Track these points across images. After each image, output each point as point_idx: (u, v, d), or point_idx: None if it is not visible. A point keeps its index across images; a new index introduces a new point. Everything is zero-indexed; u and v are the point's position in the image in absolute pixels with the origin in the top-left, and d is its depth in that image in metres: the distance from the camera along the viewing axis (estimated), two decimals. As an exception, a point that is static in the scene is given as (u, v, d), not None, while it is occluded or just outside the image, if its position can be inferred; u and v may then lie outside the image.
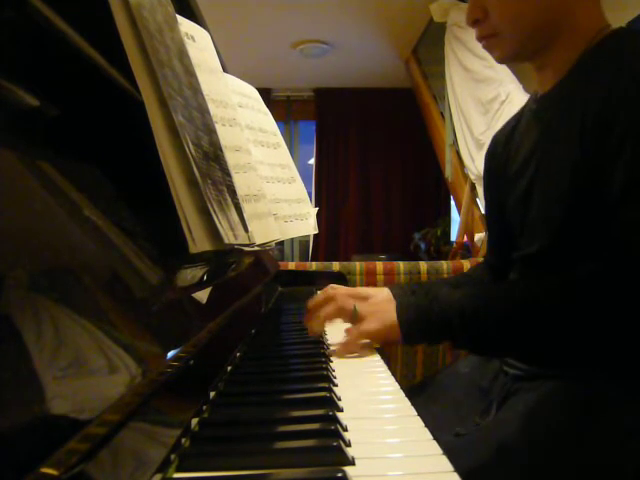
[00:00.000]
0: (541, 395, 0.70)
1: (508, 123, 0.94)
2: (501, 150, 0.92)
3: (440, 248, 4.63)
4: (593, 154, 0.68)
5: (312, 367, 0.64)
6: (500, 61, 0.81)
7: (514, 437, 0.65)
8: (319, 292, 0.81)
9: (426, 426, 0.45)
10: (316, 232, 1.19)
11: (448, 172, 3.56)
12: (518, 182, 0.83)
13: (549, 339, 0.69)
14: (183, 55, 0.61)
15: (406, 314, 0.71)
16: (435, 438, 0.42)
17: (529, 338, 0.70)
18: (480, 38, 0.79)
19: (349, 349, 0.71)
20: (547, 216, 0.76)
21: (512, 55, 0.79)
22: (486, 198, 1.02)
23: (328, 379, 0.57)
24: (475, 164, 2.95)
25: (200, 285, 0.57)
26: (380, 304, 0.75)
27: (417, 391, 0.91)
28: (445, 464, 0.37)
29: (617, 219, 0.65)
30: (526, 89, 2.70)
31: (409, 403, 0.50)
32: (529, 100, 0.87)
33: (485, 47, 0.80)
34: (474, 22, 0.78)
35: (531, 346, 0.72)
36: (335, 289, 0.79)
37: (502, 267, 0.96)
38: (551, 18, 0.74)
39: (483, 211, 3.16)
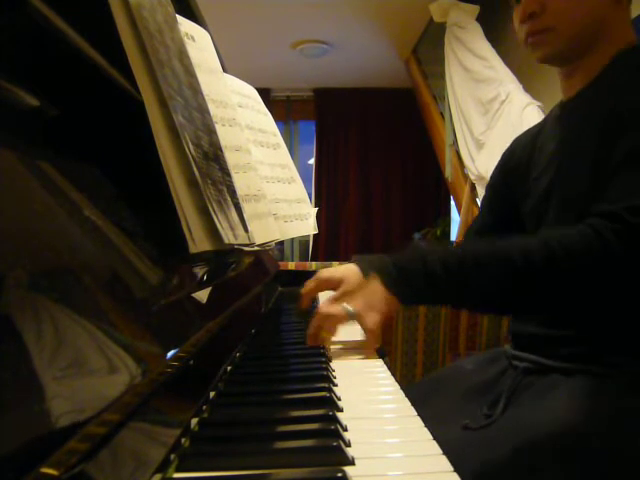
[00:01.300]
0: (552, 393, 0.71)
1: (533, 128, 0.97)
2: (522, 153, 0.94)
3: (440, 248, 4.63)
4: (607, 157, 0.70)
5: (312, 367, 0.64)
6: (543, 59, 0.84)
7: (530, 433, 0.66)
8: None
9: (430, 421, 0.45)
10: (316, 232, 1.19)
11: (448, 172, 3.56)
12: (539, 183, 0.86)
13: (541, 299, 0.69)
14: (183, 55, 0.61)
15: (389, 276, 0.70)
16: (441, 431, 0.42)
17: (520, 295, 0.69)
18: (532, 33, 0.82)
19: (374, 345, 0.71)
20: (564, 217, 0.78)
21: (558, 52, 0.82)
22: (489, 196, 1.03)
23: (328, 379, 0.57)
24: (475, 164, 2.95)
25: (200, 285, 0.57)
26: (362, 286, 0.73)
27: (418, 389, 0.92)
28: (445, 464, 0.37)
29: (620, 180, 0.66)
30: (526, 89, 2.70)
31: (409, 403, 0.50)
32: (554, 107, 0.91)
33: (532, 43, 0.82)
34: (530, 15, 0.81)
35: (521, 300, 0.71)
36: (320, 308, 0.76)
37: None
38: (599, 22, 0.78)
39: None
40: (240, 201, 0.68)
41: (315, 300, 1.19)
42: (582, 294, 0.67)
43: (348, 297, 0.73)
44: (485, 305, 0.76)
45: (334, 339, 0.74)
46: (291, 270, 1.78)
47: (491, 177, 1.03)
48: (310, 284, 0.97)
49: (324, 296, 1.14)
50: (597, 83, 0.79)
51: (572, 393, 0.69)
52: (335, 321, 0.72)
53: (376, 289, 0.71)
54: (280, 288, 1.39)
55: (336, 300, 0.83)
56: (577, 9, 0.78)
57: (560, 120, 0.86)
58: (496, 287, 0.69)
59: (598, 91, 0.78)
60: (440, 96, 3.86)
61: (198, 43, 0.82)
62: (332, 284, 0.95)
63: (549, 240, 0.66)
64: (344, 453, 0.37)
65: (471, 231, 1.06)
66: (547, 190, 0.83)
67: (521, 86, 2.71)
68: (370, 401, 0.53)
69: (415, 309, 1.90)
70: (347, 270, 0.96)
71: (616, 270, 0.64)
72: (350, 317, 0.72)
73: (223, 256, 0.73)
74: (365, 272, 0.91)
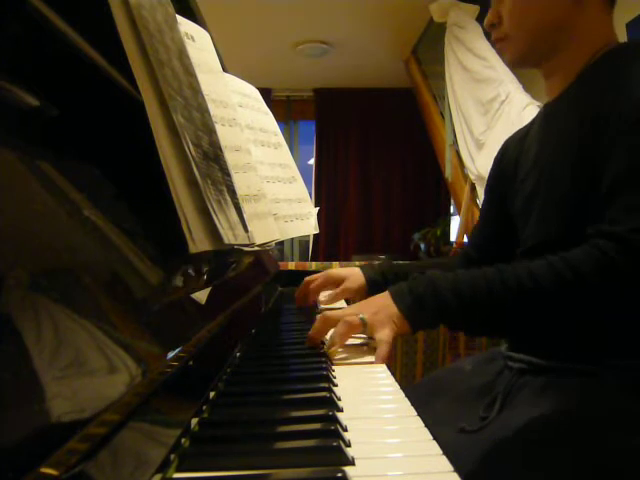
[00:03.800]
0: (546, 394, 0.71)
1: (521, 130, 0.99)
2: (511, 154, 0.96)
3: (440, 248, 4.63)
4: (589, 158, 0.71)
5: (312, 367, 0.64)
6: (510, 64, 0.89)
7: (523, 434, 0.66)
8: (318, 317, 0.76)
9: (428, 423, 0.45)
10: (317, 232, 1.19)
11: (448, 172, 3.56)
12: (525, 185, 0.87)
13: (551, 320, 0.69)
14: (183, 55, 0.61)
15: (404, 302, 0.70)
16: (439, 434, 0.42)
17: (531, 318, 0.70)
18: (495, 41, 0.88)
19: (387, 357, 0.69)
20: (546, 218, 0.80)
21: (519, 58, 0.87)
22: (487, 198, 1.04)
23: (328, 379, 0.57)
24: (475, 164, 2.95)
25: (200, 285, 0.57)
26: (376, 302, 0.73)
27: (418, 390, 0.92)
28: (445, 464, 0.37)
29: (622, 200, 0.66)
30: (526, 89, 2.70)
31: (409, 403, 0.50)
32: (541, 108, 0.93)
33: (498, 49, 0.89)
34: (491, 26, 0.87)
35: (533, 326, 0.72)
36: (326, 314, 0.75)
37: (483, 262, 1.01)
38: (555, 27, 0.81)
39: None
40: (240, 201, 0.68)
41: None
42: (590, 310, 0.67)
43: (363, 307, 0.73)
44: (494, 330, 0.78)
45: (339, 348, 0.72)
46: (291, 270, 1.78)
47: (487, 180, 1.04)
48: (316, 281, 1.03)
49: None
50: (577, 84, 0.80)
51: (566, 393, 0.69)
52: (350, 328, 0.70)
53: (390, 308, 0.71)
54: (280, 288, 1.39)
55: (337, 296, 0.92)
56: (526, 19, 0.83)
57: (545, 122, 0.87)
58: (508, 313, 0.70)
59: (578, 93, 0.79)
60: (440, 96, 3.86)
61: (198, 43, 0.82)
62: (336, 281, 1.00)
63: (554, 262, 0.67)
64: (344, 453, 0.37)
65: (474, 236, 1.08)
66: (532, 192, 0.84)
67: (521, 86, 2.71)
68: (370, 401, 0.53)
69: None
70: (351, 271, 1.02)
71: (623, 286, 0.65)
72: (363, 326, 0.70)
73: (223, 256, 0.73)
74: (369, 280, 0.97)
